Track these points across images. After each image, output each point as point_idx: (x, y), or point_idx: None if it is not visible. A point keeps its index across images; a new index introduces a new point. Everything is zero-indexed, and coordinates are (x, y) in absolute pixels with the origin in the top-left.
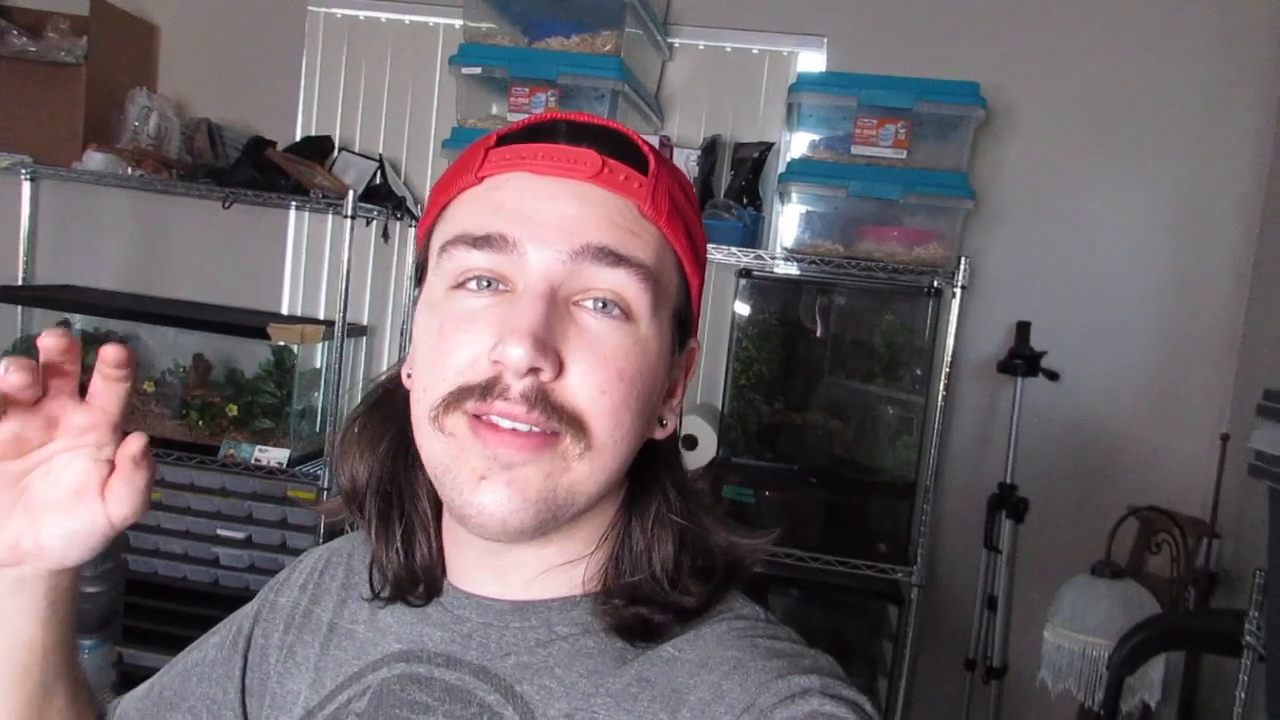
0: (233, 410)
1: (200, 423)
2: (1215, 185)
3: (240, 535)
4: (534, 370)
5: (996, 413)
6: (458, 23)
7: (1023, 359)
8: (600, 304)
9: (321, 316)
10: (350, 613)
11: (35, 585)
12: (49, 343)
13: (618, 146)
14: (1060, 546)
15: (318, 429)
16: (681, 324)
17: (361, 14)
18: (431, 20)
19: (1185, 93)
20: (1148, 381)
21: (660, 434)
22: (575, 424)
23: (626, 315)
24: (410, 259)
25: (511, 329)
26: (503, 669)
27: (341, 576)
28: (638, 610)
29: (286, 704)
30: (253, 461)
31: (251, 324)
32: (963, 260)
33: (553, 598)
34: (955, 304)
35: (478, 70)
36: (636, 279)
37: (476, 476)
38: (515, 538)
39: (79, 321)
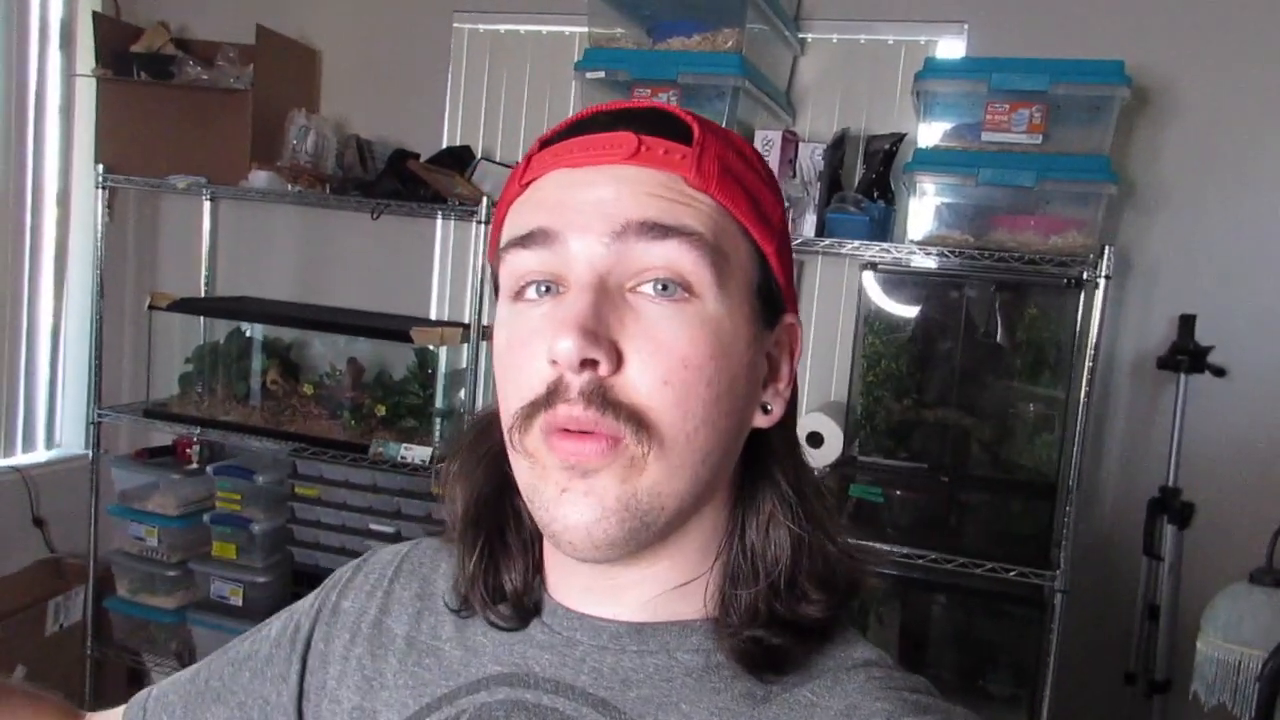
0: (381, 410)
1: (353, 422)
2: None
3: (390, 530)
4: (589, 364)
5: (1157, 411)
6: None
7: (1186, 354)
8: (660, 286)
9: (467, 320)
10: (430, 628)
11: None
12: None
13: (657, 124)
14: (1228, 554)
15: (463, 428)
16: (766, 298)
17: (502, 28)
18: (567, 30)
19: None
20: None
21: (764, 421)
22: (636, 421)
23: (688, 293)
24: None
25: (559, 322)
26: (624, 702)
27: (416, 587)
28: (756, 634)
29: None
30: (399, 459)
31: (399, 329)
32: (1107, 249)
33: (670, 621)
34: (1099, 295)
35: (601, 74)
36: (690, 248)
37: (559, 490)
38: (607, 552)
39: (251, 330)
